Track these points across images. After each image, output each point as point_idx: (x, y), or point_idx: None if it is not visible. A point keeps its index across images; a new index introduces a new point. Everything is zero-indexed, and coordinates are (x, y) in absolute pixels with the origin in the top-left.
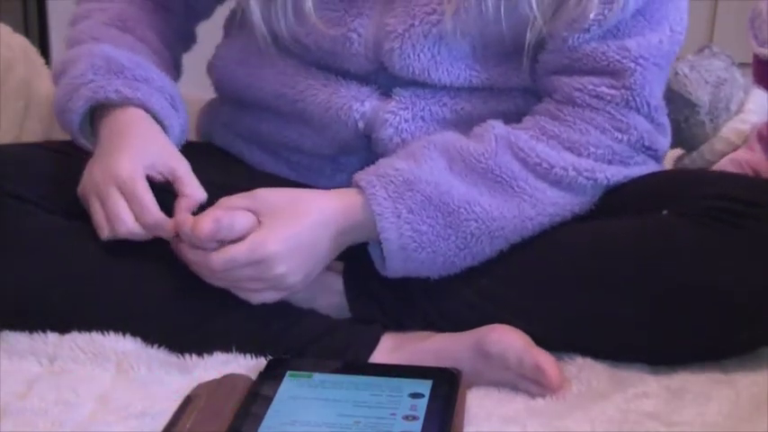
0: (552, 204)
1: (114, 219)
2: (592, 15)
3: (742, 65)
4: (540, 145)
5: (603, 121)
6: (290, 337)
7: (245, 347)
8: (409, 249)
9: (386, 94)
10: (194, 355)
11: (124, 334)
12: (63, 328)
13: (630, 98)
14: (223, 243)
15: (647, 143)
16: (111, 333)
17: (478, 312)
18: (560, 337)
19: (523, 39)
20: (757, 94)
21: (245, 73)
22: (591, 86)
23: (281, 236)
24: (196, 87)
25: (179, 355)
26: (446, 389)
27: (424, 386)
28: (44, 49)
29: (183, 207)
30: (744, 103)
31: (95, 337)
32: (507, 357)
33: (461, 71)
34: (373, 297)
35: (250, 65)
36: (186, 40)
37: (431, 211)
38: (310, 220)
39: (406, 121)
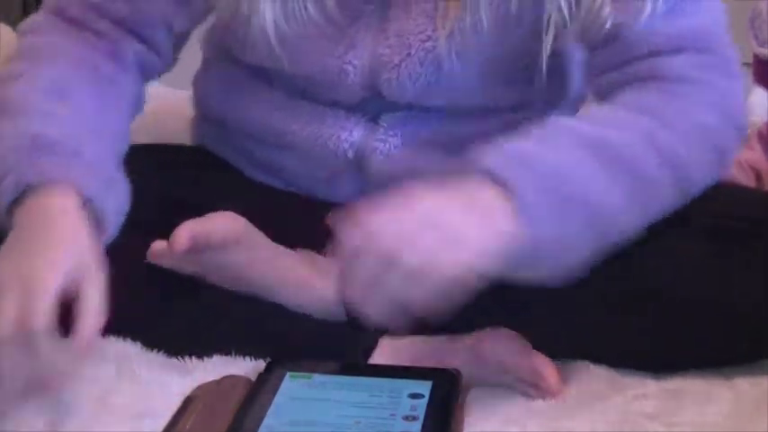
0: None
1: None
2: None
3: (742, 65)
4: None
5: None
6: (288, 340)
7: (242, 351)
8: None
9: (373, 120)
10: (194, 358)
11: (124, 337)
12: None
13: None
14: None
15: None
16: (111, 336)
17: (479, 322)
18: (562, 346)
19: (526, 54)
20: (757, 93)
21: (228, 105)
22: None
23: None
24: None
25: (179, 357)
26: (446, 389)
27: (424, 387)
28: None
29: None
30: None
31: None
32: (504, 363)
33: (455, 94)
34: None
35: (232, 96)
36: (152, 72)
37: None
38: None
39: (396, 147)
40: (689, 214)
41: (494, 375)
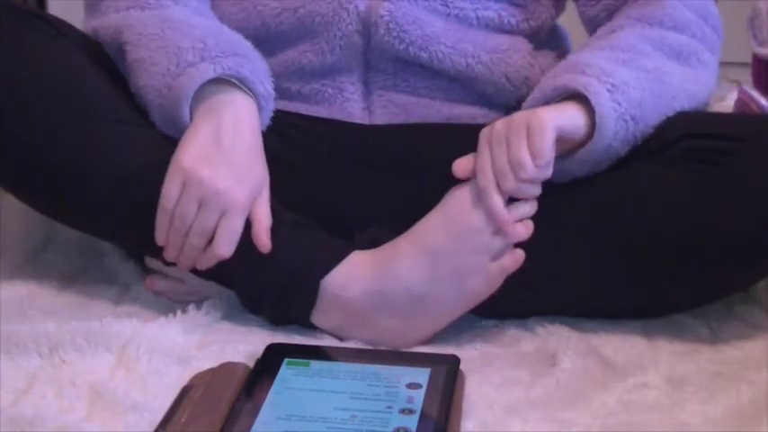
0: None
1: (193, 244)
2: None
3: (742, 65)
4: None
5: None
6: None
7: None
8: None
9: None
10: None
11: None
12: None
13: None
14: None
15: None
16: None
17: None
18: (559, 302)
19: None
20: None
21: (239, 7)
22: None
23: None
24: None
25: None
26: (444, 378)
27: (422, 375)
28: None
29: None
30: None
31: (94, 324)
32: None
33: None
34: None
35: None
36: None
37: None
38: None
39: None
40: (669, 144)
41: (467, 217)
